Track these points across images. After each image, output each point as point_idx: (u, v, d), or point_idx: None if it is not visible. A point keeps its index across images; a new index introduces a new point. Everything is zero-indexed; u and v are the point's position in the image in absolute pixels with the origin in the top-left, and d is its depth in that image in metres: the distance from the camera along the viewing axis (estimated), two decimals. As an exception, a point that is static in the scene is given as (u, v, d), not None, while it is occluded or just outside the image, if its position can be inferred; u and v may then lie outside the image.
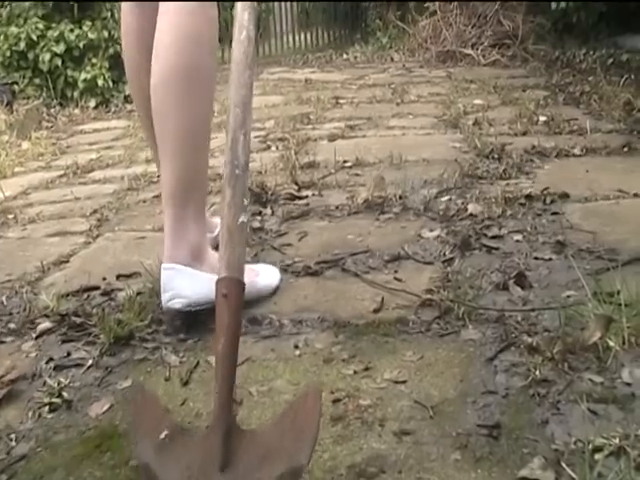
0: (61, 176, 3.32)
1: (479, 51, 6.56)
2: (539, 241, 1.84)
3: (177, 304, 1.48)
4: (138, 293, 1.70)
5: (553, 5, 6.40)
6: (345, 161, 2.87)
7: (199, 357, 1.40)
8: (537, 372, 1.22)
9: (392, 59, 7.26)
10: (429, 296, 1.52)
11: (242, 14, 1.27)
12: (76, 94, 5.55)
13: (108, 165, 3.51)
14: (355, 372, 1.28)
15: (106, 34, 5.56)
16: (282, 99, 4.98)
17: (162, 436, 1.01)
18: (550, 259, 1.71)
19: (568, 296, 1.50)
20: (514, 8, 6.95)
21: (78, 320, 1.59)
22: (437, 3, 7.34)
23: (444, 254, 1.78)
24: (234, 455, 0.95)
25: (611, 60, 5.49)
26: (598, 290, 1.43)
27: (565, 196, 2.16)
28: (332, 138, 3.42)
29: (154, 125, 1.49)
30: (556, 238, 1.83)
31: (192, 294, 1.47)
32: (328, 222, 2.13)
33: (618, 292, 1.41)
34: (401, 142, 3.21)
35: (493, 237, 1.86)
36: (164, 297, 1.49)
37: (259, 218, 2.16)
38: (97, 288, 1.80)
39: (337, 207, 2.26)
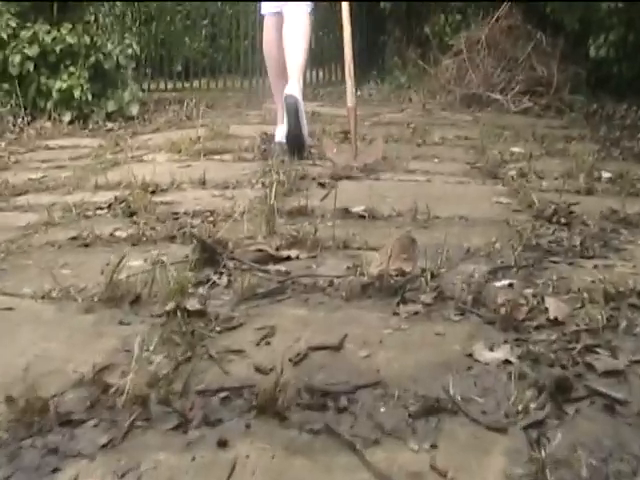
0: (-17, 196, 2.54)
1: (509, 97, 5.82)
2: (690, 388, 1.03)
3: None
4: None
5: (592, 53, 5.70)
6: (348, 211, 2.08)
7: None
8: None
9: (410, 100, 6.52)
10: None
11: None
12: (49, 105, 4.81)
13: (47, 188, 2.73)
14: None
15: (88, 40, 4.86)
16: (283, 129, 4.18)
17: (334, 150, 3.10)
18: None
19: None
20: (548, 54, 6.26)
21: None
22: (463, 42, 6.65)
23: (524, 409, 0.96)
24: (358, 154, 3.04)
25: (659, 119, 4.77)
26: None
27: (698, 298, 1.36)
28: (335, 176, 2.65)
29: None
30: None
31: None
32: (312, 310, 1.32)
33: None
34: (427, 191, 2.42)
35: (606, 373, 1.05)
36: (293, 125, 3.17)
37: (203, 292, 1.34)
38: None
39: (330, 283, 1.45)
